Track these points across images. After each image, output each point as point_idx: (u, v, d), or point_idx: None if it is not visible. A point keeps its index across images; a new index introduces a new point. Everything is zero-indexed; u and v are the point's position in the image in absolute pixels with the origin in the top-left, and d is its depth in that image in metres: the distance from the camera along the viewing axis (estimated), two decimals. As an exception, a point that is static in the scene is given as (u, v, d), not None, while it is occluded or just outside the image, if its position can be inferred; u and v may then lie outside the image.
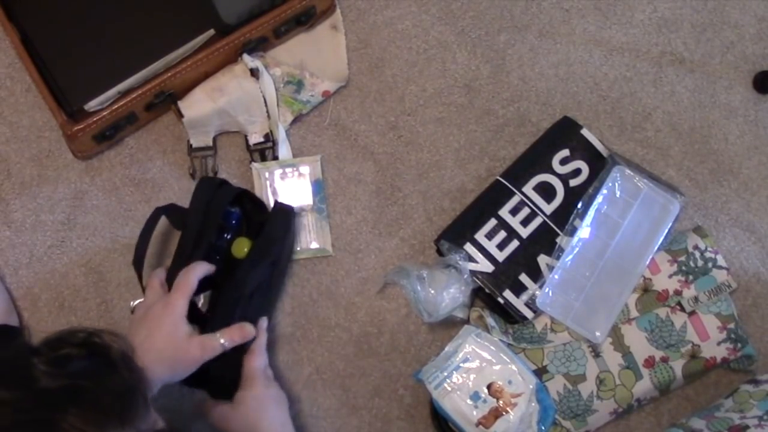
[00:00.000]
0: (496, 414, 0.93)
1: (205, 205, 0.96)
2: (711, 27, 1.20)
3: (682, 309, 1.01)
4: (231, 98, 1.06)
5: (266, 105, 1.08)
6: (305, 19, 1.11)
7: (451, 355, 0.96)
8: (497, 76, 1.16)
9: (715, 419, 0.94)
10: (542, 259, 1.04)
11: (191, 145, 1.09)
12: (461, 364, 0.95)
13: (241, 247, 0.97)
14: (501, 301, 1.02)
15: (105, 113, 1.02)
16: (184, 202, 0.99)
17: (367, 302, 1.06)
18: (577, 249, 1.04)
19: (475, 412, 0.93)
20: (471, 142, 1.13)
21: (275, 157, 1.09)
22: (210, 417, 0.90)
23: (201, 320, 0.91)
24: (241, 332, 0.90)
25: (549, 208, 1.06)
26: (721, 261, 1.04)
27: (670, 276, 1.03)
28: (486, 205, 1.06)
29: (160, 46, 1.04)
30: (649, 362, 1.00)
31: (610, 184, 1.06)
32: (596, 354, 1.00)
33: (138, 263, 0.96)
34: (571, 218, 1.05)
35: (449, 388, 0.94)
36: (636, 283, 1.03)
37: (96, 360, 0.63)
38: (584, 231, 1.04)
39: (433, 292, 0.99)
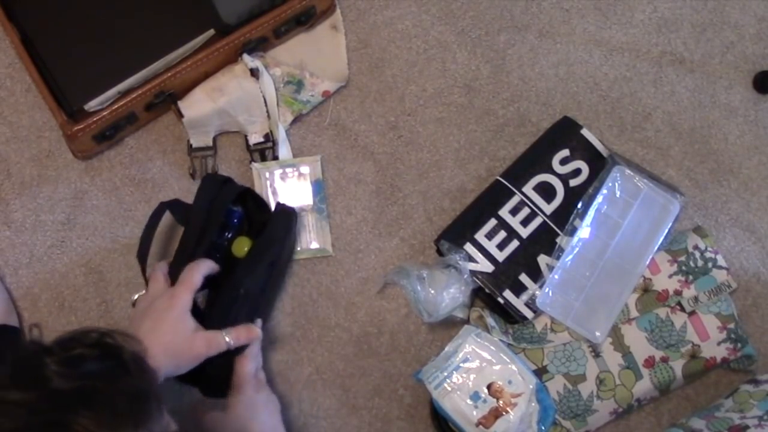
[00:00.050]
0: (496, 414, 0.93)
1: (209, 202, 0.96)
2: (711, 27, 1.20)
3: (682, 309, 1.01)
4: (231, 98, 1.06)
5: (266, 105, 1.08)
6: (305, 19, 1.11)
7: (451, 355, 0.96)
8: (497, 76, 1.16)
9: (715, 419, 0.94)
10: (542, 259, 1.04)
11: (191, 145, 1.09)
12: (461, 364, 0.95)
13: (242, 247, 0.97)
14: (501, 301, 1.02)
15: (105, 113, 1.02)
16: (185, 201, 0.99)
17: (367, 302, 1.06)
18: (577, 249, 1.04)
19: (475, 412, 0.93)
20: (471, 142, 1.13)
21: (275, 157, 1.09)
22: (202, 422, 0.89)
23: (200, 317, 0.91)
24: (248, 333, 0.90)
25: (549, 208, 1.06)
26: (721, 261, 1.04)
27: (670, 276, 1.03)
28: (486, 205, 1.06)
29: (160, 46, 1.04)
30: (649, 362, 1.00)
31: (610, 184, 1.06)
32: (596, 354, 1.00)
33: (142, 257, 0.96)
34: (571, 218, 1.05)
35: (449, 388, 0.94)
36: (636, 283, 1.03)
37: (109, 361, 0.62)
38: (584, 231, 1.04)
39: (433, 292, 0.99)
